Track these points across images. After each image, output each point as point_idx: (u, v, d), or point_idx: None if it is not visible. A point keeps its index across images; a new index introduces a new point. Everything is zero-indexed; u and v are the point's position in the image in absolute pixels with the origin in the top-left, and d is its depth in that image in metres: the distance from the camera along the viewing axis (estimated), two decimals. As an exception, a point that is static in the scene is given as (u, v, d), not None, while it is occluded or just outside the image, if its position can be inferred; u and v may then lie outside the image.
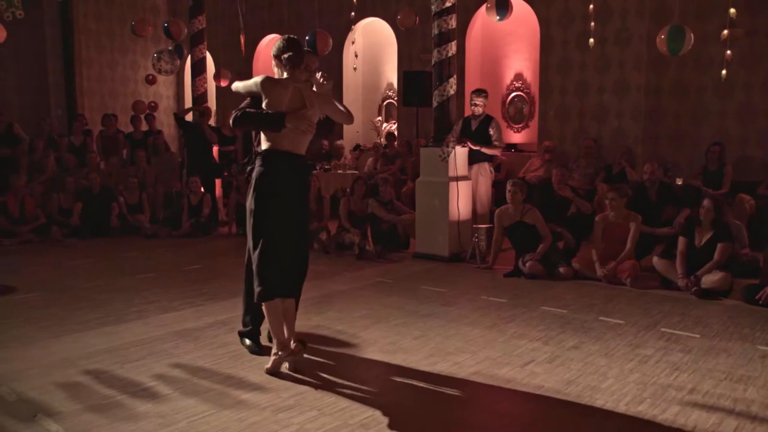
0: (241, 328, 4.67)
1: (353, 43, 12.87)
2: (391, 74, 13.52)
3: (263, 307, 4.13)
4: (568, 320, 5.30)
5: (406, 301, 5.87)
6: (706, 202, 6.28)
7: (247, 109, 4.19)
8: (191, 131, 10.74)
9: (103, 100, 15.98)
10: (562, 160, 10.05)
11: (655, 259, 6.53)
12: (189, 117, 11.03)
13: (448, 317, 5.40)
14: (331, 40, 10.30)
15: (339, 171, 11.56)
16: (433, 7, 7.67)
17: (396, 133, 12.76)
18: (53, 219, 9.48)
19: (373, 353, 4.51)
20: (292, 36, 4.27)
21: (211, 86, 13.28)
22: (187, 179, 10.21)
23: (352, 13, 10.19)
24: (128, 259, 8.01)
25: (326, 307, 5.69)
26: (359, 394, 3.82)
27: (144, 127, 12.49)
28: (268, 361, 4.14)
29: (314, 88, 4.23)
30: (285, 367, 4.13)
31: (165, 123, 16.46)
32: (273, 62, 4.27)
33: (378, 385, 3.96)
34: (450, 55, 7.66)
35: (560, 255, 6.96)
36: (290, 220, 4.09)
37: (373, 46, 13.75)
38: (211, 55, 14.77)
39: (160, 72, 11.87)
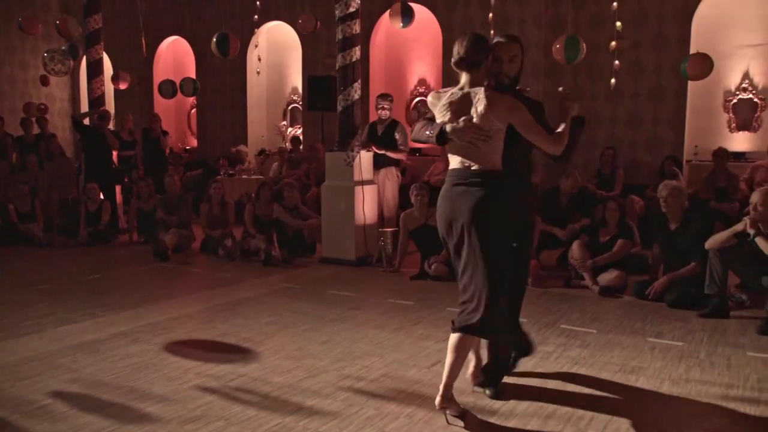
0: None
1: (256, 46, 12.72)
2: (295, 78, 13.46)
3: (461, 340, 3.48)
4: (473, 320, 5.42)
5: (313, 306, 5.86)
6: (611, 204, 6.67)
7: (422, 122, 3.62)
8: (90, 135, 10.32)
9: (-11, 102, 15.09)
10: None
11: (575, 245, 6.72)
12: (87, 121, 10.60)
13: (356, 321, 5.42)
14: (238, 43, 10.15)
15: (244, 176, 11.42)
16: (336, 12, 7.70)
17: (301, 137, 12.70)
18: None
19: (280, 360, 4.47)
20: (473, 33, 3.47)
21: (109, 89, 12.80)
22: (84, 185, 9.80)
23: (255, 17, 10.09)
24: (20, 270, 7.59)
25: (232, 315, 5.60)
26: (267, 402, 3.78)
27: (35, 130, 11.89)
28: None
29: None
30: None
31: (59, 126, 15.71)
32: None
33: (286, 391, 3.93)
34: (354, 60, 7.71)
35: (464, 257, 7.09)
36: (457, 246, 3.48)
37: (277, 50, 13.65)
38: (109, 57, 14.25)
39: (51, 73, 11.33)
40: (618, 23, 7.55)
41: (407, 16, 9.14)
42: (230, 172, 11.57)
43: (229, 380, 4.10)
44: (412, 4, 9.60)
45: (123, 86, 12.65)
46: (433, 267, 6.89)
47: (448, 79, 10.95)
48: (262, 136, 13.73)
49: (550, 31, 9.90)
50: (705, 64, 8.16)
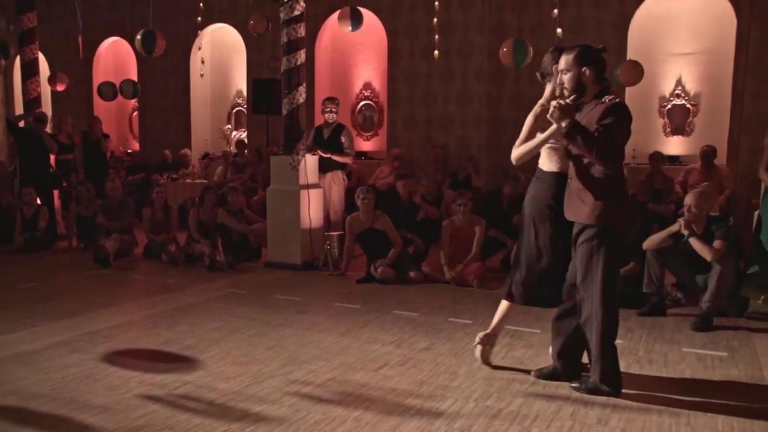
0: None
1: (200, 49, 12.55)
2: (240, 82, 13.32)
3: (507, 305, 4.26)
4: (420, 323, 5.48)
5: (259, 311, 5.81)
6: None
7: None
8: (25, 138, 9.99)
9: None
10: (411, 167, 10.37)
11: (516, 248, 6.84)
12: (22, 123, 10.26)
13: (302, 325, 5.40)
14: (164, 42, 9.89)
15: (187, 180, 11.25)
16: (281, 14, 7.66)
17: (246, 141, 12.59)
18: None
19: (225, 366, 4.42)
20: (552, 48, 4.09)
21: (46, 90, 12.42)
22: (19, 190, 9.48)
23: (199, 18, 9.96)
24: (-49, 279, 7.30)
25: (176, 321, 5.50)
26: (213, 409, 3.73)
27: (-34, 133, 11.45)
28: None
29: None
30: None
31: (-8, 129, 15.15)
32: None
33: (232, 398, 3.89)
34: (299, 63, 7.69)
35: (410, 259, 7.18)
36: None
37: (221, 53, 13.49)
38: (45, 57, 13.84)
39: (-20, 73, 10.92)
40: (559, 30, 7.72)
41: (356, 19, 9.15)
42: (173, 176, 11.38)
43: (174, 388, 4.03)
44: (358, 8, 9.63)
45: (60, 88, 12.30)
46: (379, 270, 6.91)
47: (394, 83, 11.05)
48: (206, 139, 13.54)
49: (493, 36, 10.06)
50: (636, 71, 8.42)
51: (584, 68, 3.76)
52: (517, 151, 4.07)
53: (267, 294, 6.49)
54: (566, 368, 4.13)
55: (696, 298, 5.71)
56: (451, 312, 5.83)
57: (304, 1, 7.69)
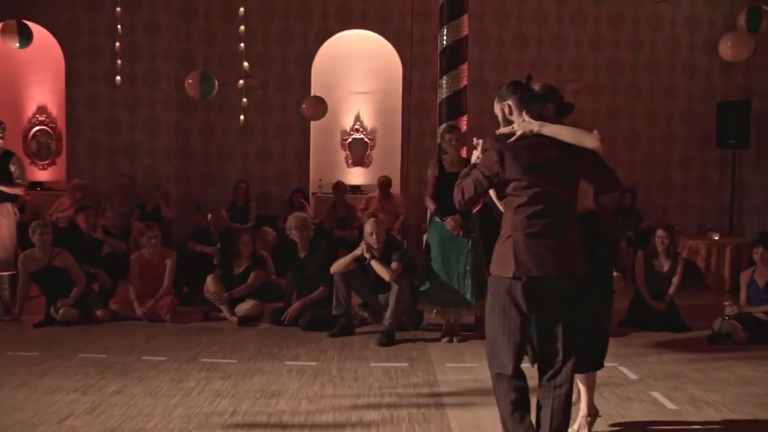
0: None
1: None
2: None
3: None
4: (109, 365, 5.13)
5: None
6: (244, 236, 7.00)
7: None
8: None
9: None
10: (95, 198, 9.70)
11: (209, 279, 6.78)
12: None
13: (-33, 382, 4.72)
14: None
15: None
16: (-69, 26, 6.69)
17: None
18: None
19: None
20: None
21: None
22: None
23: None
24: None
25: None
26: None
27: None
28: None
29: None
30: None
31: None
32: None
33: None
34: (-44, 82, 6.78)
35: (96, 297, 6.73)
36: None
37: None
38: None
39: None
40: (246, 63, 7.91)
41: (25, 36, 8.29)
42: None
43: None
44: (29, 24, 8.77)
45: None
46: (60, 311, 6.34)
47: (73, 108, 10.30)
48: None
49: (181, 65, 9.94)
50: (319, 106, 9.01)
51: (505, 103, 3.29)
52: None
53: None
54: None
55: (380, 315, 6.22)
56: (144, 350, 5.57)
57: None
